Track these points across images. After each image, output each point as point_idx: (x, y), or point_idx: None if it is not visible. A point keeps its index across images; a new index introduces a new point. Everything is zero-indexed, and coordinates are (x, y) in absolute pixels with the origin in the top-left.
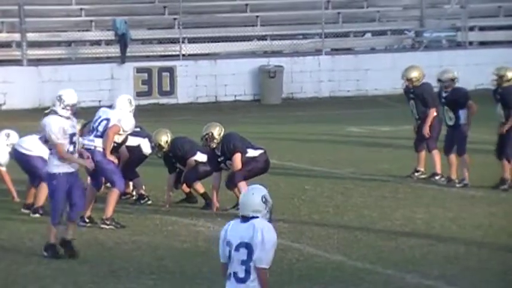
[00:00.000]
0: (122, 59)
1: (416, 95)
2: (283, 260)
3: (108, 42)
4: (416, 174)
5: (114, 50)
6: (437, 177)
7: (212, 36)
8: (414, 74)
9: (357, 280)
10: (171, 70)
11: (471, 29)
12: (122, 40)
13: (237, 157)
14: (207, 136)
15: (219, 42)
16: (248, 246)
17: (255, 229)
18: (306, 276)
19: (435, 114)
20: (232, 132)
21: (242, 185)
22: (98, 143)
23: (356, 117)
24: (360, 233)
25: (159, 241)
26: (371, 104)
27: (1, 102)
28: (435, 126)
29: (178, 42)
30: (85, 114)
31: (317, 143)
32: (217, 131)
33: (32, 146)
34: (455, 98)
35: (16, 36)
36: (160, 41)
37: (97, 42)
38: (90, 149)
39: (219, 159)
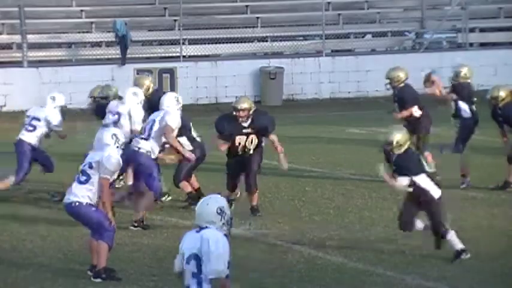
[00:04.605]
0: (122, 60)
1: (398, 96)
2: (283, 261)
3: (109, 44)
4: None
5: (115, 52)
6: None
7: (212, 38)
8: (393, 74)
9: (357, 282)
10: (171, 71)
11: (472, 30)
12: (122, 42)
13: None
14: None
15: (219, 43)
16: (197, 258)
17: (202, 239)
18: (307, 278)
19: (418, 114)
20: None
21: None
22: (143, 145)
23: (356, 118)
24: (360, 235)
25: (160, 243)
26: (371, 106)
27: (2, 103)
28: (426, 125)
29: (179, 43)
30: (84, 116)
31: (317, 144)
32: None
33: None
34: (402, 97)
35: (16, 38)
36: (161, 43)
37: (97, 44)
38: (135, 150)
39: (243, 130)
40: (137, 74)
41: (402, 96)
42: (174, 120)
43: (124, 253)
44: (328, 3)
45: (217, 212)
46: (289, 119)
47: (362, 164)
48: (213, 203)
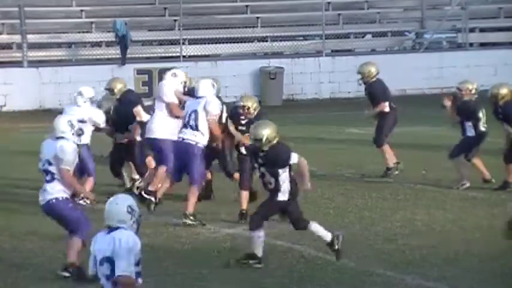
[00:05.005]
0: (122, 60)
1: (368, 91)
2: (283, 261)
3: (109, 44)
4: (395, 172)
5: (115, 52)
6: (389, 171)
7: (212, 38)
8: (365, 69)
9: (357, 282)
10: None
11: (472, 30)
12: (122, 41)
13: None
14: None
15: (219, 43)
16: (110, 261)
17: (114, 241)
18: (307, 278)
19: (387, 109)
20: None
21: None
22: (191, 136)
23: (356, 118)
24: (360, 235)
25: (160, 243)
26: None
27: (2, 103)
28: (389, 121)
29: (179, 43)
30: None
31: (317, 144)
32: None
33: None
34: (372, 92)
35: (17, 38)
36: (161, 43)
37: (97, 44)
38: (186, 142)
39: (239, 127)
40: (137, 74)
41: (372, 91)
42: (216, 108)
43: None
44: (328, 3)
45: (127, 211)
46: (289, 119)
47: (362, 164)
48: (122, 201)
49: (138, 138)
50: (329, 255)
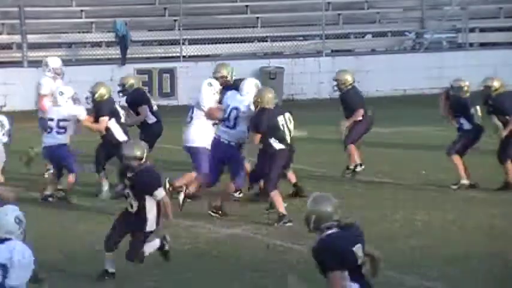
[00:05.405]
0: (122, 60)
1: (342, 99)
2: (283, 261)
3: (109, 44)
4: (358, 168)
5: (115, 52)
6: (356, 169)
7: (212, 38)
8: (341, 77)
9: None
10: (171, 72)
11: (472, 30)
12: (122, 42)
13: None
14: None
15: (219, 43)
16: (4, 268)
17: (14, 252)
18: (307, 278)
19: (361, 118)
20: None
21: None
22: (229, 137)
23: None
24: None
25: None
26: (371, 106)
27: (2, 103)
28: (361, 127)
29: (179, 43)
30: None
31: (317, 144)
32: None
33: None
34: (345, 99)
35: (16, 38)
36: (161, 43)
37: (97, 44)
38: (225, 143)
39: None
40: (137, 74)
41: (347, 99)
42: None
43: (124, 253)
44: (328, 3)
45: (15, 222)
46: None
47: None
48: (11, 213)
49: (123, 138)
50: None
